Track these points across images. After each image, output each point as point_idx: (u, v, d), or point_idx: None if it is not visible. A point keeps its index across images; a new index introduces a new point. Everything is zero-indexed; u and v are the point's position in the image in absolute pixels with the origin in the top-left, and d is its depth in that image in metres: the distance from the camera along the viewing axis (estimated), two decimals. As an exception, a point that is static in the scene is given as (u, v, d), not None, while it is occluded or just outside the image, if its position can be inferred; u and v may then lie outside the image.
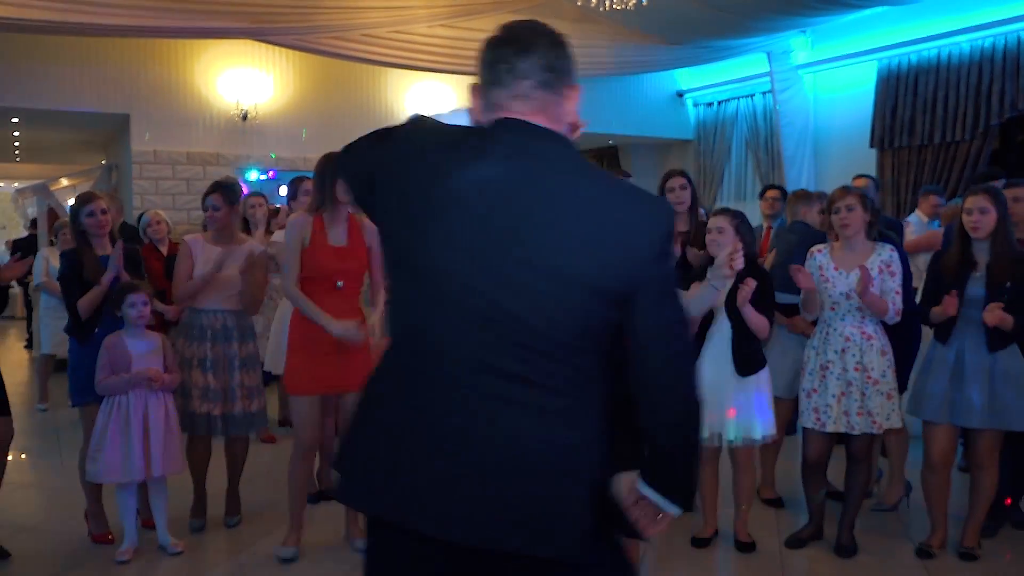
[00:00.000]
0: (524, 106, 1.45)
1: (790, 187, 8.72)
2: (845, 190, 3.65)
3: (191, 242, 3.94)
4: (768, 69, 8.88)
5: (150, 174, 8.20)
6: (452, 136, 1.50)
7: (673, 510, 1.49)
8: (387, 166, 1.51)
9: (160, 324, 5.27)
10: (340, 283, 3.54)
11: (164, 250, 5.69)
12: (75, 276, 3.77)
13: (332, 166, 3.53)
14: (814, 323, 3.79)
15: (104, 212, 3.91)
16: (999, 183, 4.36)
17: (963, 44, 7.45)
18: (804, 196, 4.75)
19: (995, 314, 3.34)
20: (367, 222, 3.66)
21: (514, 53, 1.45)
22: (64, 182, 12.48)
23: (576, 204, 1.40)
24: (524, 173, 1.41)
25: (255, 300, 4.01)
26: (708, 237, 3.56)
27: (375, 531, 1.58)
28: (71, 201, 11.31)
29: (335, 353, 3.51)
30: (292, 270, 3.51)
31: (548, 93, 1.45)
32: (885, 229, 4.18)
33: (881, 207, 4.38)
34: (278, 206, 6.61)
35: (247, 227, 5.44)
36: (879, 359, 3.53)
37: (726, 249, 3.34)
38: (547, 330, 1.40)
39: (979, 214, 3.46)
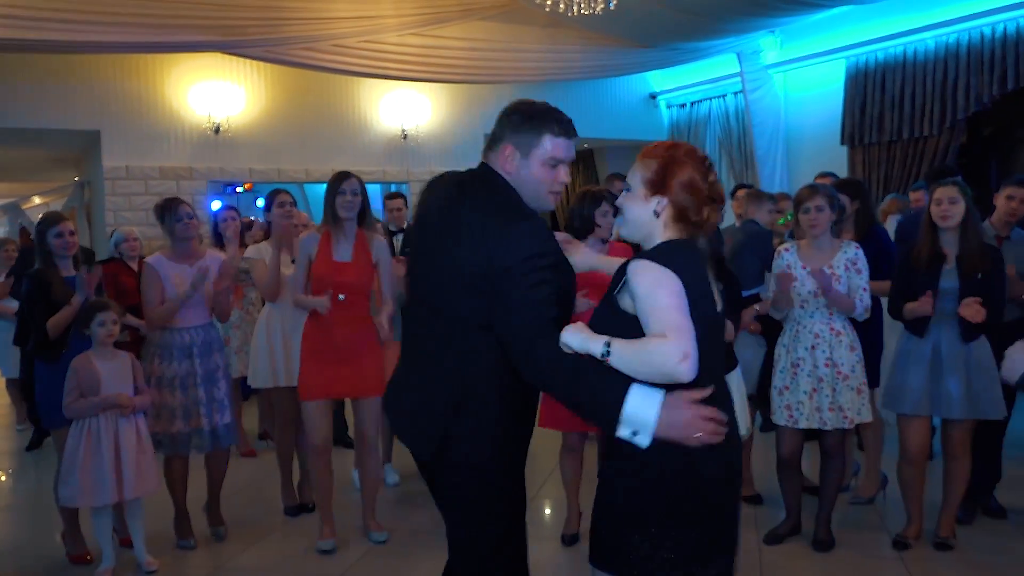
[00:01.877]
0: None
1: (763, 186, 8.82)
2: (813, 190, 3.67)
3: (154, 263, 3.89)
4: (739, 69, 8.96)
5: (123, 190, 8.15)
6: None
7: None
8: None
9: (135, 340, 5.26)
10: (341, 296, 3.74)
11: (135, 267, 5.68)
12: (42, 297, 3.75)
13: (333, 184, 3.81)
14: (759, 319, 3.86)
15: (72, 233, 3.90)
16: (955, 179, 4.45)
17: (928, 41, 7.55)
18: (755, 196, 4.89)
19: (972, 308, 3.37)
20: (377, 238, 3.94)
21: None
22: (36, 200, 12.38)
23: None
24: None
25: (225, 308, 4.05)
26: None
27: None
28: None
29: (346, 360, 3.76)
30: (298, 281, 3.84)
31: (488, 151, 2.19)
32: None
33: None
34: (252, 218, 6.60)
35: (220, 242, 5.44)
36: (848, 354, 3.57)
37: None
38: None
39: (949, 204, 3.49)
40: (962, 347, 3.52)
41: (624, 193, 1.95)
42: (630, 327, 1.78)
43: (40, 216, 4.37)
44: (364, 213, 3.85)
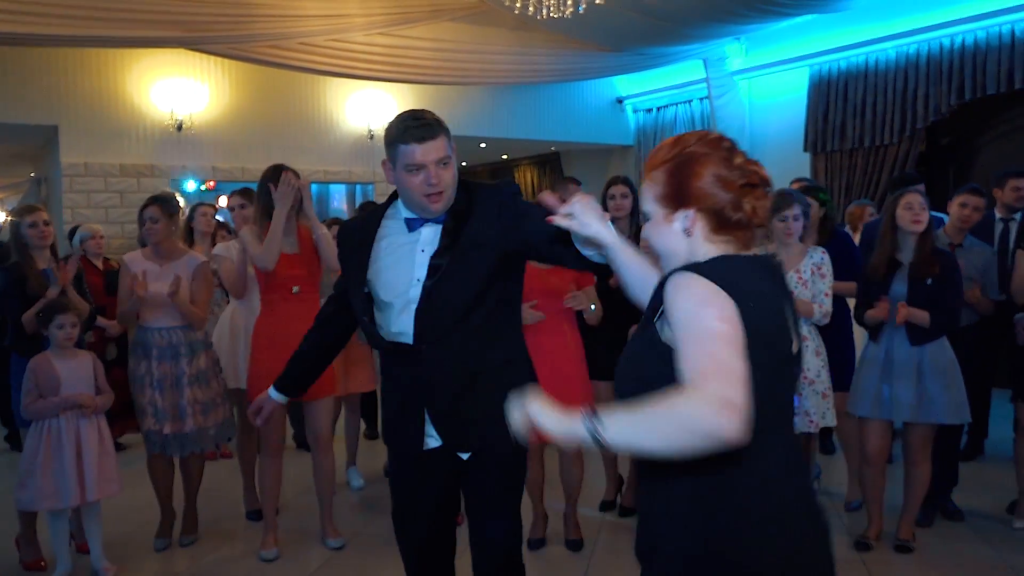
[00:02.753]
0: None
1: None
2: (791, 198, 3.71)
3: (129, 261, 3.84)
4: (705, 75, 9.04)
5: (81, 187, 7.97)
6: None
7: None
8: None
9: (100, 340, 5.16)
10: (296, 288, 3.69)
11: (100, 265, 5.57)
12: (17, 291, 3.67)
13: (271, 176, 3.73)
14: None
15: (47, 223, 3.85)
16: (920, 187, 4.54)
17: (889, 51, 7.69)
18: None
19: (901, 313, 3.47)
20: (320, 230, 3.86)
21: None
22: (-9, 196, 12.06)
23: None
24: None
25: (198, 318, 3.91)
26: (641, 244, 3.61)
27: None
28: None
29: None
30: (242, 275, 3.91)
31: None
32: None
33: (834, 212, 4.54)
34: (220, 219, 6.50)
35: (191, 237, 5.37)
36: (814, 359, 3.61)
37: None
38: None
39: (920, 209, 3.54)
40: (914, 351, 3.56)
41: (644, 224, 1.59)
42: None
43: (12, 210, 4.32)
44: (302, 204, 3.79)
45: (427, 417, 2.26)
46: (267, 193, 3.72)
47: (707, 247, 1.48)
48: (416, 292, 2.19)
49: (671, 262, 1.51)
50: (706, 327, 1.31)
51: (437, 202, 2.18)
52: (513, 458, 2.31)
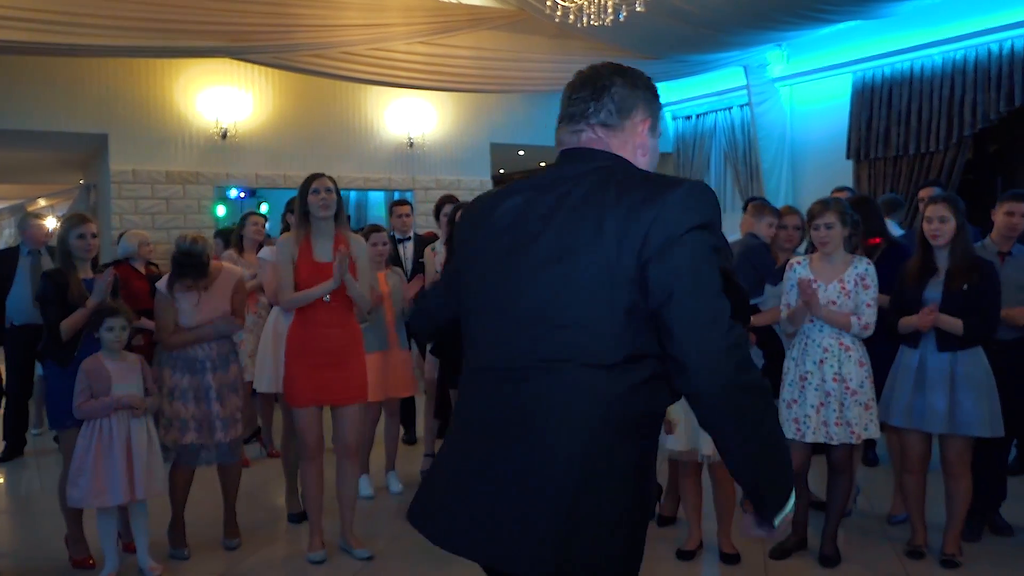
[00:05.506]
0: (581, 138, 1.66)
1: (769, 199, 8.82)
2: (825, 206, 3.67)
3: (164, 289, 3.87)
4: (745, 82, 8.97)
5: (129, 194, 8.16)
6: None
7: None
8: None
9: (149, 343, 5.26)
10: (327, 297, 3.70)
11: (142, 270, 5.70)
12: (58, 298, 3.74)
13: (306, 186, 3.78)
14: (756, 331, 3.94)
15: (94, 236, 3.89)
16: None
17: (935, 57, 7.57)
18: (756, 209, 4.92)
19: (926, 318, 3.47)
20: (356, 238, 3.91)
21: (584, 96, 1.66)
22: (41, 202, 12.38)
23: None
24: (538, 197, 1.61)
25: (237, 322, 4.00)
26: None
27: None
28: (49, 221, 11.22)
29: (332, 364, 3.71)
30: (286, 284, 3.73)
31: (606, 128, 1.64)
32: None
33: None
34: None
35: (242, 244, 5.60)
36: (857, 369, 3.56)
37: None
38: None
39: (939, 223, 3.56)
40: (945, 361, 3.53)
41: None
42: None
43: (64, 216, 4.36)
44: (339, 212, 3.83)
45: None
46: (303, 198, 3.77)
47: None
48: None
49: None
50: None
51: None
52: None
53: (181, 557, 3.94)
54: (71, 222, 3.91)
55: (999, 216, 4.14)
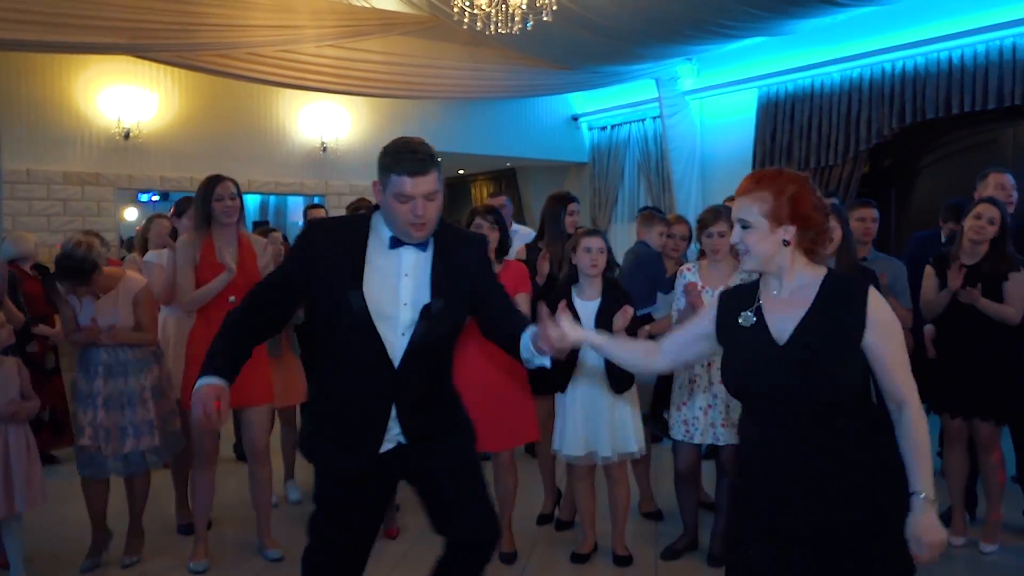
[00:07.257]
0: None
1: (679, 209, 9.02)
2: (717, 214, 3.75)
3: (65, 293, 3.73)
4: (657, 95, 9.16)
5: (23, 194, 7.80)
6: None
7: None
8: None
9: (43, 349, 5.05)
10: (232, 298, 3.65)
11: (30, 271, 5.48)
12: None
13: (209, 187, 3.73)
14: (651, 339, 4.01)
15: None
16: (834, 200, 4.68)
17: (834, 74, 7.86)
18: (646, 218, 5.05)
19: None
20: (256, 238, 3.90)
21: None
22: (-69, 203, 11.74)
23: None
24: None
25: (148, 339, 3.82)
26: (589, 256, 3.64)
27: None
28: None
29: None
30: (186, 286, 3.72)
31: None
32: None
33: None
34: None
35: (145, 246, 5.33)
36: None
37: None
38: None
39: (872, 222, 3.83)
40: None
41: (743, 231, 2.02)
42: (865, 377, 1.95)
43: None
44: (241, 215, 3.81)
45: (393, 415, 2.34)
46: (204, 201, 3.70)
47: (798, 257, 2.00)
48: (409, 316, 2.32)
49: (762, 266, 2.02)
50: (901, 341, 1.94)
51: (420, 231, 2.30)
52: (471, 445, 2.55)
53: (87, 568, 3.79)
54: None
55: (852, 224, 4.31)
